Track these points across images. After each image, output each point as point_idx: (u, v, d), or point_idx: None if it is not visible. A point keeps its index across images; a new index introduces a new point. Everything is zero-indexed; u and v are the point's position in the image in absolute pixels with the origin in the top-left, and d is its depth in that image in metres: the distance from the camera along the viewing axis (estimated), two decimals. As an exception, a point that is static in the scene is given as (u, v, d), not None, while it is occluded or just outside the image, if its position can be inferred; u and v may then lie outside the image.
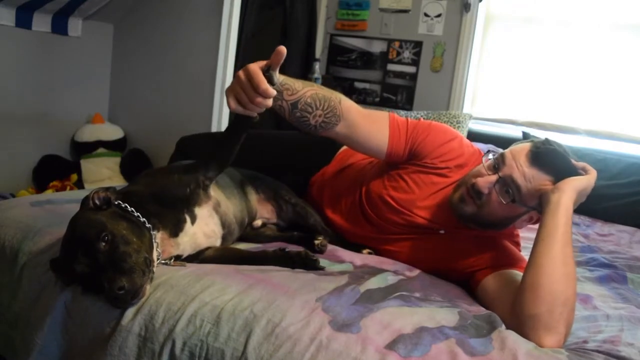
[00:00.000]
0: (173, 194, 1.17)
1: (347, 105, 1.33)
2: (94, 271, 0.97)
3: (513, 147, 1.27)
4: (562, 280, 1.05)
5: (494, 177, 1.23)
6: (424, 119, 1.51)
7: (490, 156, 1.27)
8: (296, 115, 1.28)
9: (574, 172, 1.19)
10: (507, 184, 1.21)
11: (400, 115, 1.45)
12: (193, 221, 1.19)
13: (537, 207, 1.20)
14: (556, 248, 1.08)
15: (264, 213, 1.49)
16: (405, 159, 1.42)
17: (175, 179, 1.19)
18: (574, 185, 1.15)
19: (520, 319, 1.04)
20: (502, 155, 1.25)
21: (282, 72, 1.17)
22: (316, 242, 1.33)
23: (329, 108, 1.29)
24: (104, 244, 0.98)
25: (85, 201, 1.07)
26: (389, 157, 1.41)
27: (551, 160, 1.20)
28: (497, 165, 1.24)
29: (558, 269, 1.06)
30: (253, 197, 1.46)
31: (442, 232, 1.37)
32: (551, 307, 1.02)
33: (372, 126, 1.37)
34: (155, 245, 1.09)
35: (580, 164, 1.23)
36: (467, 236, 1.34)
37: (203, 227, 1.21)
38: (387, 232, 1.41)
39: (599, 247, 2.01)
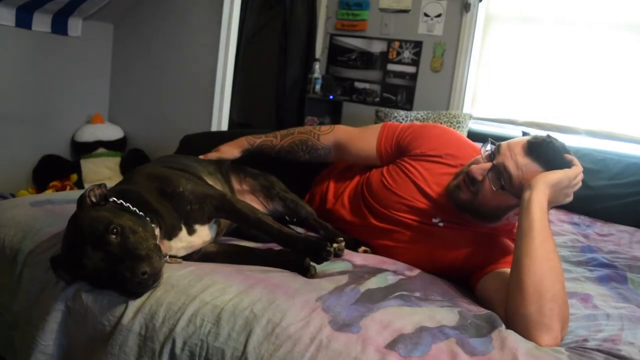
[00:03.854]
0: (172, 204, 1.16)
1: (332, 136, 1.54)
2: (109, 264, 0.98)
3: (512, 139, 1.28)
4: (547, 277, 1.05)
5: (488, 165, 1.25)
6: (423, 119, 1.56)
7: (489, 147, 1.29)
8: (283, 157, 1.57)
9: (564, 166, 1.19)
10: (499, 172, 1.23)
11: (398, 122, 1.49)
12: (191, 233, 1.18)
13: None
14: (535, 245, 1.08)
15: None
16: (397, 156, 1.49)
17: (175, 188, 1.18)
18: (546, 180, 1.14)
19: (513, 320, 1.05)
20: (499, 146, 1.27)
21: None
22: (335, 245, 1.26)
23: (308, 148, 1.55)
24: (114, 236, 0.98)
25: (82, 200, 1.06)
26: (381, 160, 1.52)
27: (545, 151, 1.20)
28: (493, 154, 1.26)
29: (540, 265, 1.06)
30: (236, 188, 1.46)
31: (441, 224, 1.38)
32: (540, 306, 1.02)
33: (362, 142, 1.53)
34: (157, 236, 1.09)
35: (570, 157, 1.22)
36: (466, 231, 1.35)
37: (203, 237, 1.21)
38: (388, 220, 1.42)
39: (599, 247, 2.01)
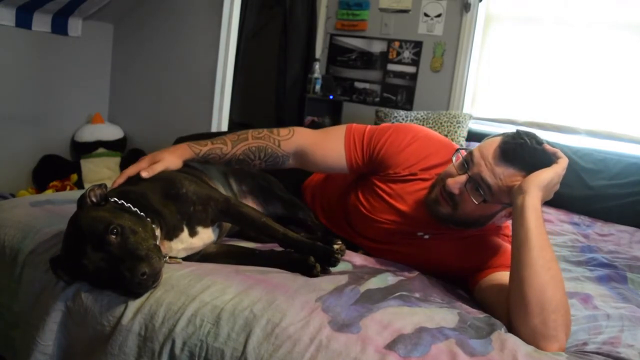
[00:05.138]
0: (175, 205, 1.16)
1: (292, 142, 1.37)
2: (109, 264, 0.98)
3: (482, 144, 1.22)
4: (549, 287, 1.01)
5: (463, 177, 1.18)
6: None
7: (460, 155, 1.22)
8: (235, 167, 1.39)
9: (547, 162, 1.12)
10: (477, 183, 1.16)
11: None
12: (193, 235, 1.18)
13: (511, 203, 1.14)
14: (534, 255, 1.03)
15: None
16: (369, 169, 1.40)
17: (179, 189, 1.18)
18: (537, 182, 1.08)
19: (517, 332, 1.02)
20: (470, 154, 1.19)
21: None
22: (336, 246, 1.23)
23: (266, 156, 1.36)
24: (114, 236, 0.98)
25: (82, 200, 1.07)
26: (351, 171, 1.41)
27: (520, 154, 1.13)
28: (467, 164, 1.19)
29: (541, 277, 1.02)
30: (235, 190, 1.46)
31: (426, 237, 1.34)
32: (544, 318, 1.00)
33: (326, 149, 1.39)
34: (157, 236, 1.09)
35: (552, 149, 1.16)
36: (453, 237, 1.31)
37: (204, 239, 1.21)
38: (375, 241, 1.40)
39: (599, 247, 2.01)
